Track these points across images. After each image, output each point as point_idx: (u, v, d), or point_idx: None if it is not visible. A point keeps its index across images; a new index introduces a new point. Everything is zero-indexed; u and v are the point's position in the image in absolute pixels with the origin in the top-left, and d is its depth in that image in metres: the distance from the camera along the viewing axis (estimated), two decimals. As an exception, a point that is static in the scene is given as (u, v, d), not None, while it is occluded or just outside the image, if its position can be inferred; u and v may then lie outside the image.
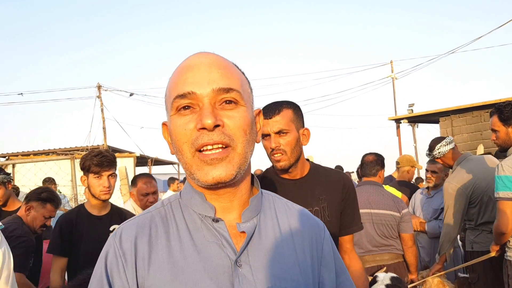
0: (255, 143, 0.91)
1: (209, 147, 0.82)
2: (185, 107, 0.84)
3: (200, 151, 0.82)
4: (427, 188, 4.28)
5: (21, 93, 18.01)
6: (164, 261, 0.84)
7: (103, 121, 17.45)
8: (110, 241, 0.89)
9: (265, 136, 1.87)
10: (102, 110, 17.61)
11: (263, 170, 2.12)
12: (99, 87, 17.77)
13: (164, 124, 0.94)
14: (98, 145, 15.05)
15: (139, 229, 0.88)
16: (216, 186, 0.85)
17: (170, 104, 0.86)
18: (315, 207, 1.91)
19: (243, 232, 0.87)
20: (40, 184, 6.22)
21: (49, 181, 6.43)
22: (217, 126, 0.81)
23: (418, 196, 4.38)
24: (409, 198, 4.59)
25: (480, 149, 7.57)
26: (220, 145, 0.82)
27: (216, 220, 0.87)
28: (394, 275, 2.41)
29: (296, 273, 0.89)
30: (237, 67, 0.92)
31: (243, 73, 0.93)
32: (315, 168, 2.00)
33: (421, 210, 4.23)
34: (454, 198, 3.35)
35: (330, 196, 1.93)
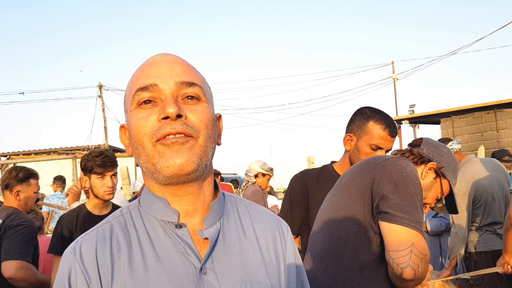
0: (216, 145, 0.89)
1: (171, 136, 0.79)
2: (146, 102, 0.82)
3: (160, 141, 0.80)
4: None
5: (22, 93, 18.11)
6: (126, 275, 0.80)
7: (104, 121, 17.48)
8: (69, 258, 0.83)
9: (376, 148, 1.94)
10: (103, 109, 17.63)
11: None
12: (100, 86, 17.78)
13: (122, 127, 0.91)
14: (99, 144, 15.05)
15: (100, 242, 0.83)
16: (178, 179, 0.81)
17: (130, 99, 0.84)
18: None
19: (207, 238, 0.85)
20: (43, 184, 6.20)
21: (61, 180, 6.43)
22: (179, 116, 0.80)
23: None
24: None
25: (481, 150, 7.56)
26: (182, 135, 0.80)
27: (179, 226, 0.84)
28: None
29: (262, 275, 0.88)
30: (198, 71, 0.92)
31: (203, 77, 0.92)
32: None
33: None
34: (460, 198, 3.35)
35: None
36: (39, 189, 3.01)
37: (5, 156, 14.18)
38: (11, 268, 2.48)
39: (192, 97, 0.83)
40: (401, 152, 1.71)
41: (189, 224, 0.86)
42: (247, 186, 4.87)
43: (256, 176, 4.81)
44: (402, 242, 1.36)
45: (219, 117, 0.93)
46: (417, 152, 1.68)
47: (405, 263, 1.35)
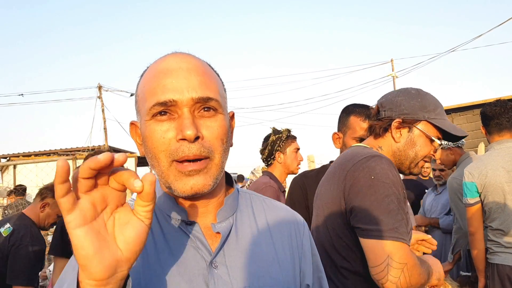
0: (230, 148, 0.89)
1: (189, 163, 0.80)
2: (161, 113, 0.82)
3: (177, 161, 0.81)
4: (435, 186, 4.30)
5: (22, 94, 17.99)
6: (138, 265, 0.81)
7: (104, 122, 17.44)
8: None
9: (361, 140, 1.93)
10: (103, 110, 17.60)
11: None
12: (99, 87, 17.76)
13: (132, 124, 0.91)
14: (99, 145, 15.05)
15: None
16: (192, 197, 0.84)
17: (146, 109, 0.83)
18: None
19: (219, 233, 0.86)
20: (42, 185, 6.20)
21: None
22: (197, 138, 0.80)
23: (430, 196, 4.37)
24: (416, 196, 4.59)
25: (481, 147, 7.57)
26: (199, 160, 0.81)
27: (190, 223, 0.86)
28: None
29: (275, 271, 0.88)
30: (213, 69, 0.91)
31: (218, 75, 0.91)
32: None
33: (430, 208, 4.22)
34: (461, 193, 3.35)
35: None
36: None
37: (5, 158, 14.18)
38: None
39: (208, 109, 0.83)
40: (369, 131, 1.64)
41: (201, 221, 0.87)
42: (253, 181, 4.85)
43: None
44: (377, 256, 1.31)
45: (232, 116, 0.93)
46: (375, 123, 1.59)
47: (384, 278, 1.30)
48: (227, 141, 0.86)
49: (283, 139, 2.69)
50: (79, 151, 13.27)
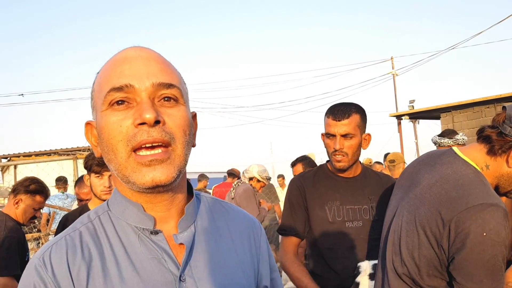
0: (192, 147, 0.83)
1: (148, 145, 0.74)
2: (119, 102, 0.75)
3: (135, 151, 0.74)
4: None
5: (22, 94, 18.07)
6: (101, 287, 0.75)
7: (104, 121, 17.40)
8: (38, 271, 0.74)
9: (330, 135, 1.96)
10: (103, 110, 17.57)
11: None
12: (99, 87, 17.72)
13: (88, 124, 0.84)
14: (99, 145, 15.00)
15: (70, 253, 0.77)
16: (153, 191, 0.77)
17: (101, 99, 0.77)
18: (364, 205, 2.01)
19: (182, 243, 0.81)
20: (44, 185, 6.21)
21: (62, 181, 6.44)
22: (157, 122, 0.74)
23: None
24: None
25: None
26: (160, 144, 0.74)
27: (155, 233, 0.80)
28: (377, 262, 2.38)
29: (239, 276, 0.87)
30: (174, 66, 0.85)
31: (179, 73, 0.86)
32: (366, 170, 2.12)
33: None
34: None
35: (378, 197, 2.02)
36: (41, 208, 2.97)
37: (6, 158, 14.18)
38: None
39: (169, 99, 0.78)
40: (482, 137, 1.46)
41: (164, 229, 0.82)
42: (238, 184, 4.83)
43: (250, 179, 4.79)
44: None
45: (194, 116, 0.88)
46: (495, 138, 1.41)
47: None
48: (190, 134, 0.80)
49: None
50: (79, 150, 13.26)
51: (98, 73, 0.83)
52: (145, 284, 0.76)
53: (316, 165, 4.08)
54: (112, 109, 0.76)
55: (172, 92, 0.78)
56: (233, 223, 0.93)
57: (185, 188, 0.87)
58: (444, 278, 1.40)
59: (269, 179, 4.91)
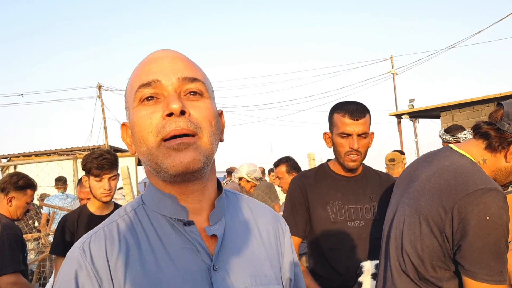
0: (219, 142, 0.88)
1: (176, 134, 0.78)
2: (148, 98, 0.81)
3: (165, 141, 0.79)
4: None
5: (22, 94, 18.04)
6: (139, 276, 0.79)
7: (104, 121, 17.45)
8: (77, 258, 0.79)
9: (345, 135, 1.95)
10: (103, 110, 17.60)
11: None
12: (99, 87, 17.75)
13: (123, 125, 0.90)
14: (99, 145, 15.04)
15: (108, 242, 0.81)
16: (184, 179, 0.81)
17: (132, 97, 0.83)
18: (365, 204, 2.01)
19: (214, 235, 0.86)
20: (44, 185, 6.21)
21: (62, 181, 6.43)
22: (183, 113, 0.79)
23: None
24: None
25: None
26: (186, 133, 0.79)
27: (188, 224, 0.84)
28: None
29: (267, 268, 0.91)
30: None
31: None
32: (367, 169, 2.13)
33: None
34: None
35: (379, 197, 2.02)
36: (32, 200, 3.01)
37: (6, 158, 14.17)
38: (7, 282, 2.51)
39: (194, 93, 0.83)
40: (479, 134, 1.47)
41: (195, 221, 0.86)
42: (227, 183, 4.77)
43: (240, 179, 4.71)
44: None
45: (221, 113, 0.93)
46: (493, 134, 1.42)
47: None
48: (216, 126, 0.84)
49: None
50: (79, 150, 13.26)
51: (129, 78, 0.88)
52: (180, 272, 0.81)
53: (299, 166, 4.05)
54: (142, 105, 0.81)
55: (197, 86, 0.83)
56: (260, 219, 0.97)
57: (215, 182, 0.91)
58: (448, 268, 1.41)
59: (259, 179, 4.80)
